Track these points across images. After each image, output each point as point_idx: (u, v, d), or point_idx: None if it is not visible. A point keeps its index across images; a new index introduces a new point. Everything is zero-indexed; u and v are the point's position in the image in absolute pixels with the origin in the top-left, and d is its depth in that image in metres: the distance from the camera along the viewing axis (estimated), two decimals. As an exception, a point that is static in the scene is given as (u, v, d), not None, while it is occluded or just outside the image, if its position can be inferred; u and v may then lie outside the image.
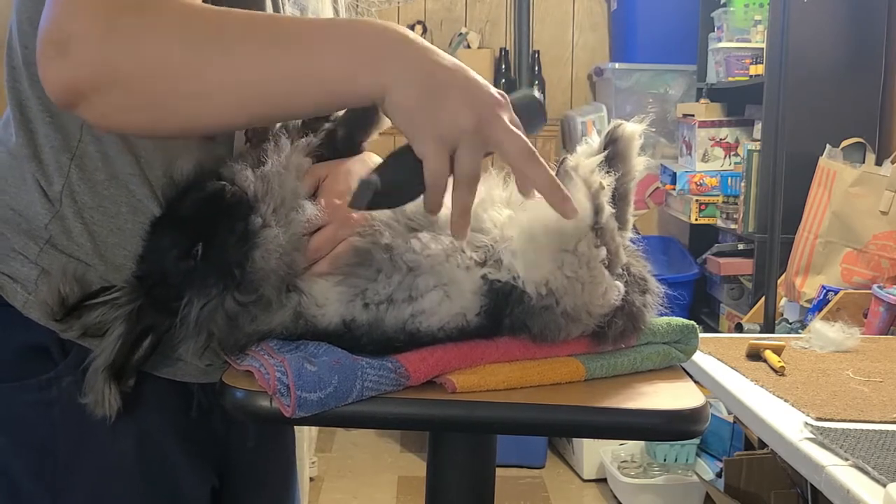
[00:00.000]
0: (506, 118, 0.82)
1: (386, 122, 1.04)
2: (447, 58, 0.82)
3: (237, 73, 0.81)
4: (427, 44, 0.83)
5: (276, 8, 1.01)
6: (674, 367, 1.04)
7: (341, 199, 0.97)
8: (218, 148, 1.00)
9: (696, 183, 3.40)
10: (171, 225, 0.94)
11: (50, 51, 0.80)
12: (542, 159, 0.81)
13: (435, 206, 0.84)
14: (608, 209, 0.93)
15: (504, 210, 0.99)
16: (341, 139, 0.99)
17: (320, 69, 0.81)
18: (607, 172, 0.96)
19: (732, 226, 3.29)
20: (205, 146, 0.99)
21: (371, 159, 1.04)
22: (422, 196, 0.85)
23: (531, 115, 0.89)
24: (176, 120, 0.84)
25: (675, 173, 3.50)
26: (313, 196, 0.97)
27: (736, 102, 3.43)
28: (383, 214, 0.98)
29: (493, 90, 0.83)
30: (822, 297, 2.51)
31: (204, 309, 0.91)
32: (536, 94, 0.90)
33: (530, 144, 0.82)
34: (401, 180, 0.83)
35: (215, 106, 0.83)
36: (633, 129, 1.01)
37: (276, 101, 0.82)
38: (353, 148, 1.02)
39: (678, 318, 1.05)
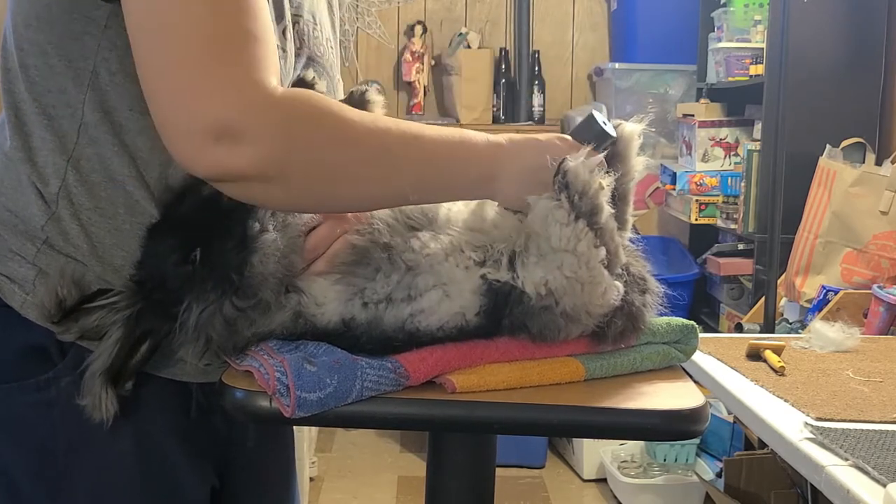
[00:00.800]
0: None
1: None
2: (530, 147, 0.95)
3: (388, 185, 0.91)
4: (522, 144, 0.95)
5: (279, 9, 1.01)
6: (674, 367, 1.04)
7: None
8: None
9: (696, 183, 3.40)
10: (169, 230, 0.94)
11: (209, 135, 0.82)
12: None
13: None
14: (607, 209, 0.93)
15: (504, 210, 0.99)
16: None
17: (452, 186, 0.94)
18: (607, 172, 0.96)
19: (732, 226, 3.29)
20: None
21: None
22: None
23: (592, 134, 0.98)
24: (322, 209, 0.95)
25: (675, 173, 3.50)
26: None
27: (736, 102, 3.43)
28: (382, 213, 0.98)
29: (559, 143, 0.96)
30: (822, 297, 2.51)
31: (203, 314, 0.91)
32: (595, 112, 0.99)
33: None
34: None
35: (361, 203, 0.94)
36: (633, 129, 1.01)
37: (411, 201, 0.95)
38: None
39: (678, 318, 1.04)
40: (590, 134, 0.98)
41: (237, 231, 0.92)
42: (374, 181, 0.90)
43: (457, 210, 1.00)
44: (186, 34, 0.83)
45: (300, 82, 1.03)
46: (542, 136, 0.97)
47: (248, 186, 0.86)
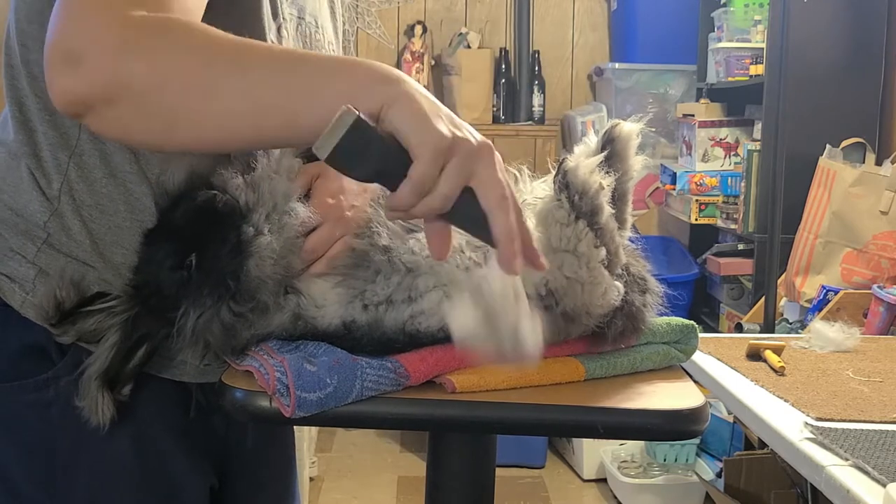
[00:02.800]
0: (496, 160, 0.79)
1: None
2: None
3: (250, 95, 0.80)
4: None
5: (273, 7, 1.01)
6: (674, 367, 1.03)
7: (334, 198, 0.97)
8: None
9: (696, 183, 3.40)
10: (164, 236, 0.94)
11: (59, 61, 0.80)
12: (512, 209, 0.78)
13: (402, 202, 0.77)
14: (608, 209, 0.93)
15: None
16: None
17: (326, 93, 0.79)
18: (606, 173, 0.96)
19: (732, 226, 3.29)
20: None
21: None
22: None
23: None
24: (182, 136, 0.84)
25: (675, 173, 3.50)
26: (306, 196, 0.97)
27: (736, 102, 3.43)
28: (381, 216, 0.97)
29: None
30: (822, 297, 2.51)
31: (200, 319, 0.91)
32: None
33: (509, 192, 0.78)
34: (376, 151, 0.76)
35: (224, 125, 0.82)
36: (631, 129, 1.01)
37: (284, 121, 0.81)
38: None
39: (678, 318, 1.04)
40: None
41: (231, 236, 0.91)
42: (228, 92, 0.80)
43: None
44: None
45: None
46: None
47: (100, 115, 0.81)
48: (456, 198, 0.77)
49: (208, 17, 0.89)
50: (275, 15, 1.02)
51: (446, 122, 0.77)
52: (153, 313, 0.93)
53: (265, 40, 0.99)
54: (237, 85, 0.80)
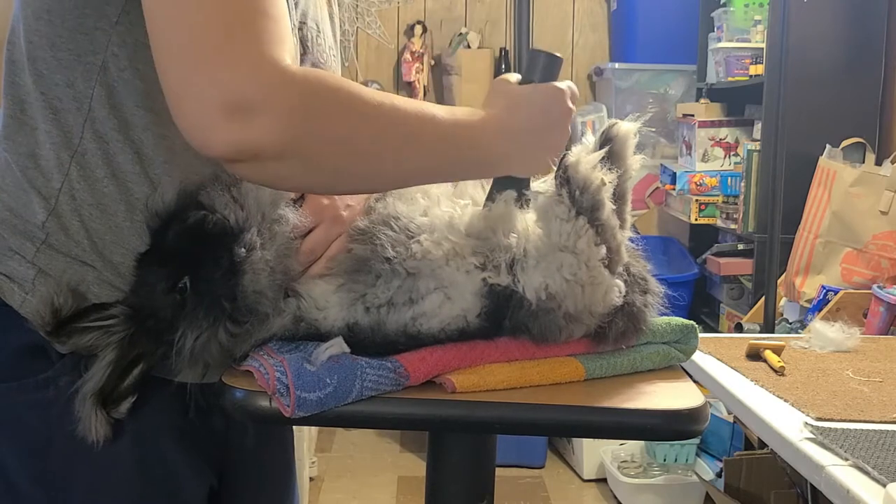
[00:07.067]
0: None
1: None
2: (535, 109, 0.98)
3: (403, 162, 0.90)
4: (513, 112, 0.99)
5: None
6: (674, 367, 1.03)
7: (329, 198, 0.97)
8: None
9: (695, 183, 3.40)
10: (156, 259, 0.94)
11: (225, 109, 0.80)
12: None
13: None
14: (609, 206, 0.93)
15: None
16: None
17: (466, 165, 0.96)
18: (608, 170, 0.95)
19: (732, 226, 3.29)
20: None
21: None
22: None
23: (549, 72, 1.00)
24: (332, 189, 0.94)
25: (674, 173, 3.50)
26: (301, 199, 0.97)
27: (736, 102, 3.43)
28: (381, 222, 0.97)
29: (531, 93, 0.99)
30: (822, 297, 2.51)
31: (197, 341, 0.91)
32: (544, 51, 1.01)
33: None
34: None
35: (381, 182, 0.94)
36: (628, 128, 1.01)
37: (433, 180, 0.97)
38: None
39: (678, 318, 1.04)
40: (538, 67, 1.00)
41: (224, 258, 0.91)
42: (388, 158, 0.88)
43: (457, 217, 0.99)
44: (199, 11, 0.81)
45: None
46: (508, 93, 1.01)
47: (263, 166, 0.83)
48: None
49: None
50: None
51: (542, 147, 0.98)
52: (150, 334, 0.93)
53: None
54: (399, 154, 0.89)
